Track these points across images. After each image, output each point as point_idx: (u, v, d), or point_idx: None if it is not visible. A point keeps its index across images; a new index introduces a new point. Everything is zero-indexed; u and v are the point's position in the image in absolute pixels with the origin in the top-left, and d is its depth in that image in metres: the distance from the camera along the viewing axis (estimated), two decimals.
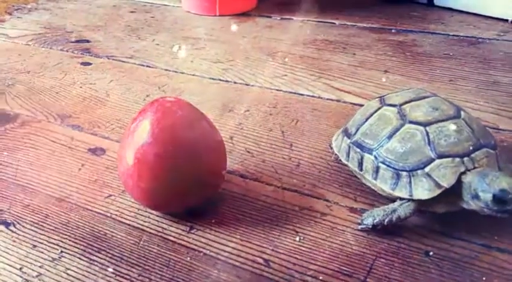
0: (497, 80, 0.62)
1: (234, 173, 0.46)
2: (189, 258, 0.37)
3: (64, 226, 0.40)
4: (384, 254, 0.36)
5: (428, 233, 0.38)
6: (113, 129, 0.55)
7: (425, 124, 0.38)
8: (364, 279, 0.34)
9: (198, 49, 0.76)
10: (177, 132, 0.36)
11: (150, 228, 0.39)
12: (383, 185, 0.38)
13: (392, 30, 0.80)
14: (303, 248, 0.37)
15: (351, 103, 0.58)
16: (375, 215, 0.37)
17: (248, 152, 0.50)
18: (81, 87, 0.65)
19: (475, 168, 0.36)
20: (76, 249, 0.38)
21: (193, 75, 0.68)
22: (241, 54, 0.73)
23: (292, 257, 0.36)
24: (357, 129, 0.42)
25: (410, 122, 0.39)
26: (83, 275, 0.35)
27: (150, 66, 0.70)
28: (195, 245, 0.38)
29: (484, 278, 0.34)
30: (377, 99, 0.44)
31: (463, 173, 0.36)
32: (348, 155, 0.42)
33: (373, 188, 0.41)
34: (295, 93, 0.62)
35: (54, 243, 0.38)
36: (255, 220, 0.40)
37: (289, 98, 0.60)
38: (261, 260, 0.36)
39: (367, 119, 0.42)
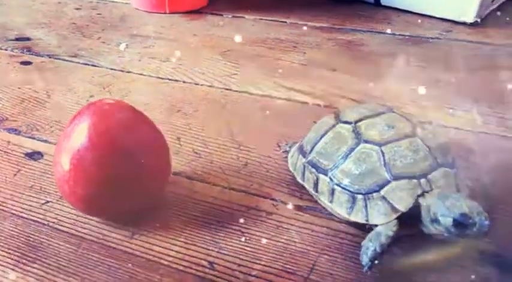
0: (438, 78, 0.65)
1: (180, 174, 0.45)
2: (130, 264, 0.35)
3: None
4: (327, 250, 0.36)
5: (370, 228, 0.38)
6: (52, 131, 0.52)
7: (380, 144, 0.37)
8: (307, 277, 0.34)
9: (146, 47, 0.74)
10: (115, 136, 0.35)
11: (90, 235, 0.38)
12: (339, 208, 0.37)
13: (342, 30, 0.81)
14: (248, 249, 0.37)
15: (301, 102, 0.59)
16: (366, 250, 0.35)
17: (196, 152, 0.49)
18: (19, 88, 0.61)
19: (432, 189, 0.35)
20: (9, 260, 0.36)
21: (140, 74, 0.66)
22: (191, 53, 0.72)
23: (237, 258, 0.36)
24: (312, 148, 0.40)
25: (366, 142, 0.37)
26: None
27: (95, 66, 0.68)
28: (138, 250, 0.37)
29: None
30: (332, 115, 0.43)
31: (421, 195, 0.35)
32: (303, 174, 0.41)
33: (329, 210, 0.39)
34: (245, 92, 0.61)
35: None
36: (201, 222, 0.39)
37: (239, 97, 0.60)
38: (205, 263, 0.35)
39: (321, 137, 0.40)
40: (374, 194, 0.35)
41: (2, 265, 0.35)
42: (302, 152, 0.42)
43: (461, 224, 0.32)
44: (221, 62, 0.69)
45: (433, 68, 0.67)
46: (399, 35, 0.79)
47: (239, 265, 0.35)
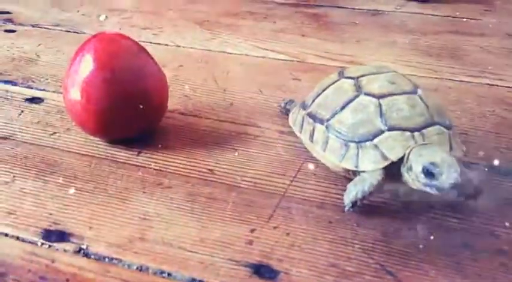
0: (395, 40, 0.73)
1: (173, 111, 0.50)
2: (140, 172, 0.40)
3: (13, 158, 0.41)
4: (310, 159, 0.42)
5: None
6: (48, 82, 0.56)
7: (379, 96, 0.37)
8: (294, 176, 0.40)
9: (125, 19, 0.78)
10: (123, 58, 0.40)
11: (99, 154, 0.42)
12: (331, 156, 0.38)
13: (307, 5, 0.88)
14: (242, 160, 0.42)
15: (276, 59, 0.65)
16: (349, 193, 0.36)
17: (185, 96, 0.54)
18: (8, 50, 0.64)
19: (424, 144, 0.35)
20: (29, 174, 0.39)
21: None
22: (169, 23, 0.77)
23: (233, 166, 0.41)
24: (313, 101, 0.41)
25: (365, 94, 0.38)
26: (39, 191, 0.37)
27: (78, 33, 0.71)
28: (145, 163, 0.41)
29: None
30: (336, 72, 0.43)
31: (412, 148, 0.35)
32: (301, 126, 0.41)
33: (323, 161, 0.40)
34: (224, 52, 0.67)
35: (4, 171, 0.40)
36: (198, 143, 0.45)
37: (219, 56, 0.65)
38: (206, 170, 0.41)
39: (323, 91, 0.41)
40: (367, 143, 0.36)
41: (24, 178, 0.39)
42: (303, 106, 0.43)
43: (429, 172, 0.32)
44: (199, 30, 0.74)
45: (390, 33, 0.75)
46: (358, 9, 0.87)
47: (235, 170, 0.41)
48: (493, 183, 0.40)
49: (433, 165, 0.32)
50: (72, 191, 0.37)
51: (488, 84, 0.58)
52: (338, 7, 0.88)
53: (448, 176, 0.32)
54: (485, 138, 0.47)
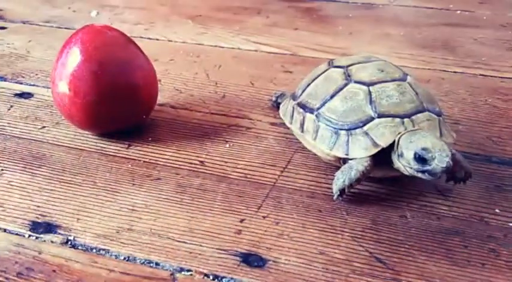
0: (388, 32, 0.73)
1: (164, 105, 0.50)
2: (130, 165, 0.40)
3: (1, 152, 0.41)
4: (301, 150, 0.42)
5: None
6: (38, 78, 0.55)
7: (369, 84, 0.37)
8: (285, 167, 0.40)
9: (116, 14, 0.78)
10: (110, 50, 0.39)
11: (89, 147, 0.42)
12: (321, 144, 0.37)
13: (300, 0, 0.88)
14: (233, 151, 0.42)
15: (268, 52, 0.65)
16: (336, 181, 0.36)
17: (176, 89, 0.53)
18: None
19: (414, 130, 0.35)
20: (16, 167, 0.39)
21: None
22: (161, 18, 0.76)
23: (224, 157, 0.41)
24: (303, 91, 0.41)
25: (355, 82, 0.38)
26: (27, 184, 0.37)
27: (69, 29, 0.71)
28: (135, 156, 0.41)
29: None
30: (326, 63, 0.43)
31: (402, 134, 0.35)
32: (291, 117, 0.41)
33: (314, 151, 0.40)
34: (216, 46, 0.66)
35: None
36: (188, 136, 0.44)
37: (211, 50, 0.65)
38: (197, 162, 0.40)
39: (313, 81, 0.41)
40: (357, 130, 0.36)
41: (12, 171, 0.39)
42: (293, 96, 0.43)
43: (421, 157, 0.32)
44: (191, 25, 0.74)
45: (383, 26, 0.75)
46: (352, 2, 0.87)
47: (226, 162, 0.41)
48: (484, 170, 0.40)
49: (424, 150, 0.32)
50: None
51: (482, 74, 0.58)
52: (332, 1, 0.87)
53: (440, 161, 0.32)
54: (477, 128, 0.47)
